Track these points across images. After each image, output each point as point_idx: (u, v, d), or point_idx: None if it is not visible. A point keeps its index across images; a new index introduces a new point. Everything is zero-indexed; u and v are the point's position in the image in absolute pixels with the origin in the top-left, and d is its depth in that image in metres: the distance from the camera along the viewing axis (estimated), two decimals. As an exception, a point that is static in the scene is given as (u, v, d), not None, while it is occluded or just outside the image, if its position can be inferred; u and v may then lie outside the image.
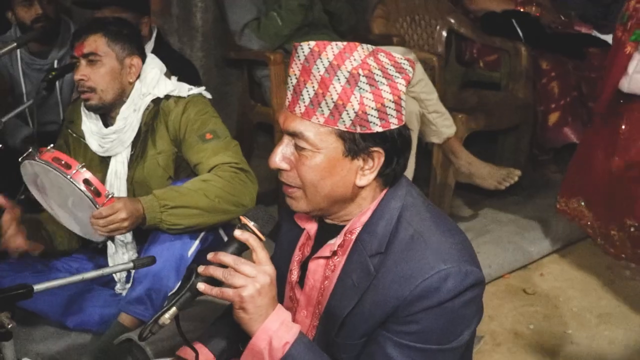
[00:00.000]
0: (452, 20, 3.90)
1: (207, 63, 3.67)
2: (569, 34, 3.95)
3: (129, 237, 2.36)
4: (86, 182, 2.01)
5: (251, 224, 1.26)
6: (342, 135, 1.24)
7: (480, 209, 3.43)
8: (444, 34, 3.92)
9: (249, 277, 1.22)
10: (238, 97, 3.70)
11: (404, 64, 1.27)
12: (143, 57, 2.37)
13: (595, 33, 4.08)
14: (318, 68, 1.22)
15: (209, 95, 2.44)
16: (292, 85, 1.27)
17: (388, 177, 1.31)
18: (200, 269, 1.24)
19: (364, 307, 1.28)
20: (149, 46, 3.03)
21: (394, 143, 1.27)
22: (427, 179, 3.25)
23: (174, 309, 1.24)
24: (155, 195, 2.12)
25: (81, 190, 1.99)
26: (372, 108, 1.22)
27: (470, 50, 4.02)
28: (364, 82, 1.21)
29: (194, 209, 2.12)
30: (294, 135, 1.27)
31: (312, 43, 1.25)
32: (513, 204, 3.49)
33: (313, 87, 1.23)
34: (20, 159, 2.09)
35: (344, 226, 1.35)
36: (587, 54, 3.76)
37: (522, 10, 3.90)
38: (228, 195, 2.15)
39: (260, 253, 1.24)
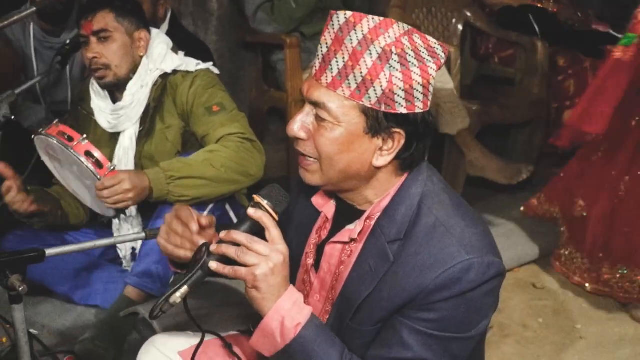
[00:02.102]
0: (469, 14, 3.87)
1: (221, 47, 3.65)
2: (587, 32, 3.91)
3: (133, 211, 2.36)
4: (88, 154, 2.02)
5: (265, 203, 1.24)
6: (365, 112, 1.21)
7: (491, 203, 3.41)
8: (460, 27, 3.89)
9: (262, 255, 1.19)
10: (251, 82, 3.68)
11: (437, 48, 1.23)
12: (149, 32, 2.37)
13: (612, 33, 4.04)
14: (351, 39, 1.19)
15: (216, 71, 2.44)
16: (322, 54, 1.23)
17: (406, 162, 1.27)
18: (213, 247, 1.22)
19: (382, 293, 1.25)
20: (164, 28, 3.03)
21: (416, 127, 1.24)
22: (438, 170, 3.21)
23: (185, 287, 1.22)
24: (161, 167, 2.13)
25: (81, 160, 2.01)
26: (400, 88, 1.20)
27: (486, 45, 3.99)
28: (395, 61, 1.18)
29: (201, 179, 2.11)
30: (316, 105, 1.24)
31: (349, 13, 1.22)
32: (523, 199, 3.44)
33: (343, 58, 1.20)
34: (32, 136, 2.11)
35: (362, 210, 1.32)
36: (605, 52, 3.72)
37: (539, 6, 3.86)
38: (234, 165, 2.14)
39: (274, 232, 1.22)
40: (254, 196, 1.26)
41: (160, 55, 2.34)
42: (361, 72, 1.19)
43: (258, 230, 1.22)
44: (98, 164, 2.04)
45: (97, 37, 2.27)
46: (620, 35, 3.90)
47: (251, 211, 1.23)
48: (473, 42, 4.06)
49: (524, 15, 3.77)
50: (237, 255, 1.20)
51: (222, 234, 1.22)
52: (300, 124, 1.27)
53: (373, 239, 1.28)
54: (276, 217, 1.25)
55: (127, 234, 1.84)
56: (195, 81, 2.32)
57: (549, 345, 2.48)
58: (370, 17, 1.22)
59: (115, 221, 2.41)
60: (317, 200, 1.40)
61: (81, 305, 2.40)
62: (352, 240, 1.32)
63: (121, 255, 2.49)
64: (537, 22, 3.73)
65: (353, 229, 1.32)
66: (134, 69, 2.31)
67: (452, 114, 3.08)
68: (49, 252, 1.53)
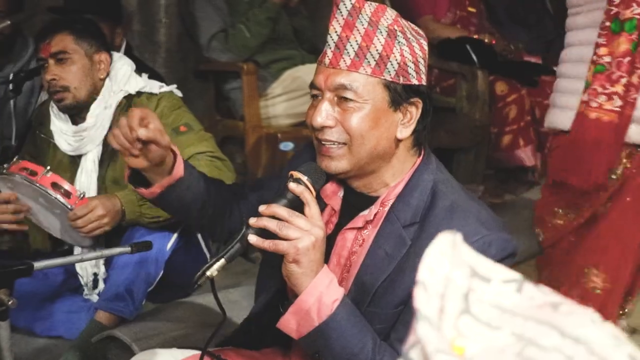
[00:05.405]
0: (410, 46, 4.03)
1: (169, 80, 3.63)
2: (521, 62, 4.15)
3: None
4: (54, 185, 1.99)
5: (305, 179, 1.25)
6: (388, 86, 1.28)
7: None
8: (402, 59, 4.04)
9: (303, 229, 1.19)
10: (201, 114, 3.67)
11: (417, 29, 1.35)
12: (110, 54, 2.36)
13: (542, 65, 4.30)
14: (361, 22, 1.27)
15: (179, 94, 2.44)
16: (334, 42, 1.29)
17: (420, 135, 1.34)
18: (252, 220, 1.21)
19: (402, 275, 1.26)
20: (119, 57, 3.01)
21: (426, 97, 1.33)
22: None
23: (222, 260, 1.20)
24: (131, 188, 2.09)
25: (49, 193, 1.97)
26: (410, 61, 1.28)
27: (428, 78, 4.14)
28: (401, 37, 1.28)
29: None
30: (339, 88, 1.28)
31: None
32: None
33: (356, 40, 1.27)
34: None
35: (372, 197, 1.35)
36: (539, 81, 3.96)
37: (475, 37, 4.07)
38: None
39: (314, 208, 1.23)
40: (293, 172, 1.26)
41: (125, 76, 2.33)
42: (377, 50, 1.26)
43: (295, 207, 1.22)
44: (66, 194, 2.01)
45: (56, 59, 2.23)
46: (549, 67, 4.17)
47: (293, 185, 1.23)
48: (414, 76, 4.20)
49: (462, 47, 3.96)
50: (278, 228, 1.19)
51: (262, 208, 1.21)
52: (325, 113, 1.29)
53: (387, 224, 1.30)
54: (314, 193, 1.25)
55: (113, 248, 1.79)
56: (160, 103, 2.32)
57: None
58: (367, 2, 1.31)
59: (76, 248, 2.33)
60: (325, 193, 1.40)
61: (43, 337, 2.30)
62: (368, 222, 1.33)
63: (82, 283, 2.40)
64: (474, 52, 3.92)
65: (367, 214, 1.33)
66: (94, 92, 2.29)
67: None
68: (37, 265, 1.48)
